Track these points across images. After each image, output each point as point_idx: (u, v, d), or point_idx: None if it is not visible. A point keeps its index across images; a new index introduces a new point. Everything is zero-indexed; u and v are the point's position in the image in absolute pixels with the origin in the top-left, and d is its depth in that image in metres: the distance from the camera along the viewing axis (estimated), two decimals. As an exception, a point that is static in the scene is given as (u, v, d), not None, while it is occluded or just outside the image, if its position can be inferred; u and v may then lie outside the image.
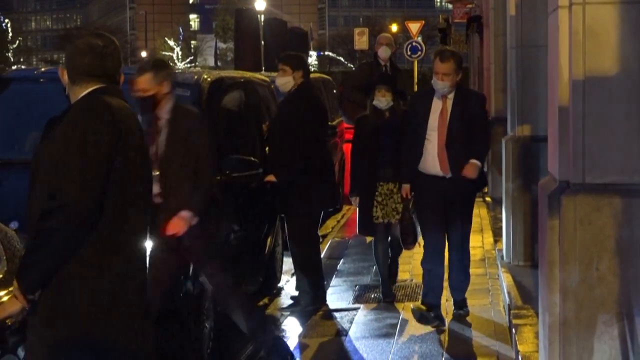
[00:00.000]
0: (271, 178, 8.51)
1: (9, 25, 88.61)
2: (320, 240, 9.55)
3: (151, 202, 4.21)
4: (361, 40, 37.69)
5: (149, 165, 4.17)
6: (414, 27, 36.54)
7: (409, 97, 9.04)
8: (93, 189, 3.87)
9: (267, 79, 10.77)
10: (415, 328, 7.89)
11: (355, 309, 8.73)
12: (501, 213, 10.44)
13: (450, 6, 38.38)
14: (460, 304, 8.24)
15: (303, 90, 8.70)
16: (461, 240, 8.06)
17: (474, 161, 7.72)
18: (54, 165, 3.91)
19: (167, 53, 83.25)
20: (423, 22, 39.74)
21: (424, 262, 8.00)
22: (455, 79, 7.87)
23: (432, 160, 7.82)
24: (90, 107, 4.05)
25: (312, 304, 8.74)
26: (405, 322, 8.14)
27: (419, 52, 32.90)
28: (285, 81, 8.69)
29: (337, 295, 9.37)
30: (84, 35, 4.30)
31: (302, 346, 7.63)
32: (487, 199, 14.72)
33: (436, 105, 7.85)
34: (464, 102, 7.83)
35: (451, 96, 7.83)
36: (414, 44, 33.19)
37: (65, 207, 3.82)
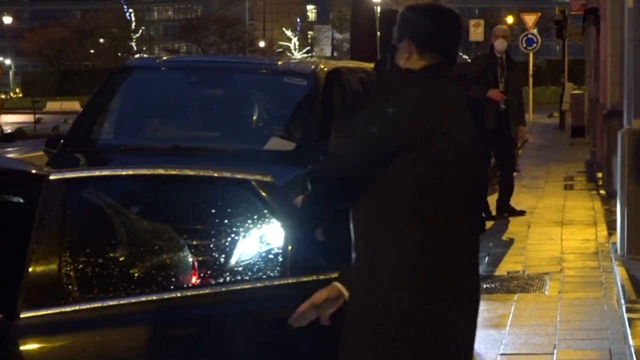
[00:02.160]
0: None
1: (132, 15, 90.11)
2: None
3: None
4: (477, 32, 37.37)
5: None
6: (530, 19, 36.16)
7: None
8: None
9: (383, 69, 10.73)
10: (527, 319, 7.80)
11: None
12: (615, 206, 10.27)
13: (567, -2, 37.87)
14: None
15: None
16: None
17: None
18: None
19: (284, 43, 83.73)
20: (539, 14, 39.28)
21: None
22: None
23: None
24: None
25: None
26: (517, 313, 8.05)
27: (535, 45, 32.53)
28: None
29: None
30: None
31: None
32: (602, 191, 14.51)
33: None
34: None
35: None
36: (529, 36, 32.83)
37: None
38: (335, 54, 74.19)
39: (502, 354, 7.01)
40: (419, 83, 3.80)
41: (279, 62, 9.06)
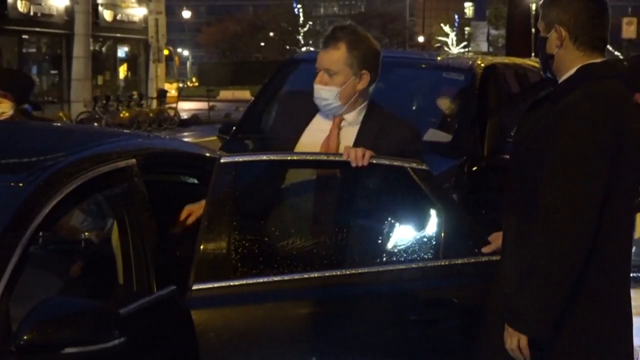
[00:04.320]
0: None
1: (301, 10, 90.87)
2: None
3: None
4: (629, 30, 36.43)
5: None
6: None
7: None
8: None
9: (537, 64, 10.57)
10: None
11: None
12: None
13: None
14: None
15: None
16: None
17: None
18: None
19: (442, 38, 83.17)
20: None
21: None
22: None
23: None
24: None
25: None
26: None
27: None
28: None
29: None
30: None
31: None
32: None
33: None
34: None
35: None
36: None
37: (561, 220, 3.50)
38: (490, 50, 73.32)
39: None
40: (605, 84, 3.65)
41: (438, 58, 9.02)
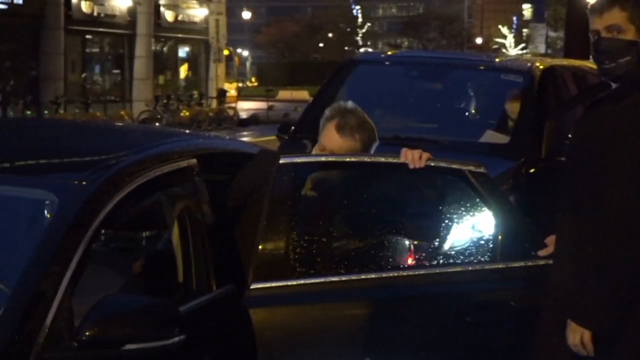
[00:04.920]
0: None
1: (359, 12, 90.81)
2: None
3: None
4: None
5: None
6: None
7: None
8: None
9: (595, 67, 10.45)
10: None
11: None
12: None
13: None
14: None
15: None
16: None
17: None
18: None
19: (500, 40, 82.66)
20: None
21: None
22: None
23: None
24: None
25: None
26: None
27: None
28: None
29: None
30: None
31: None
32: None
33: None
34: None
35: None
36: None
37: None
38: (549, 52, 72.72)
39: None
40: None
41: (496, 60, 8.97)
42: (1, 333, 3.01)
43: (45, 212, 3.52)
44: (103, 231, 4.15)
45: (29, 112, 26.15)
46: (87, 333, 3.06)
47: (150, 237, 4.62)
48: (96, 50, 34.13)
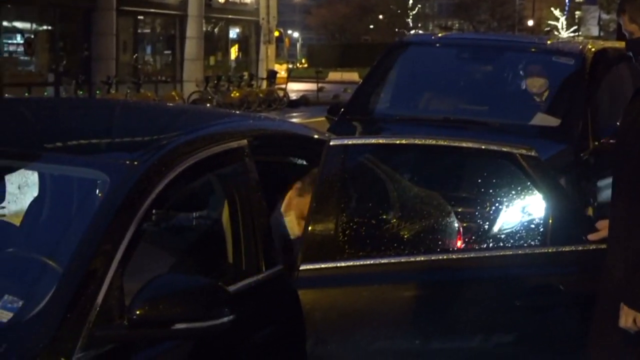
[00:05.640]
0: None
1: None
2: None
3: None
4: None
5: None
6: None
7: None
8: None
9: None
10: None
11: None
12: None
13: None
14: None
15: None
16: None
17: None
18: None
19: (552, 22, 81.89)
20: None
21: None
22: None
23: None
24: None
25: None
26: None
27: None
28: None
29: None
30: None
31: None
32: None
33: None
34: None
35: None
36: None
37: None
38: (601, 34, 71.92)
39: None
40: None
41: (548, 42, 8.89)
42: (53, 311, 3.03)
43: (97, 191, 3.54)
44: (154, 211, 4.17)
45: (81, 92, 26.36)
46: (138, 312, 3.07)
47: (200, 217, 4.64)
48: (147, 30, 34.29)
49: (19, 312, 3.17)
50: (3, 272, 3.56)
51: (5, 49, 27.06)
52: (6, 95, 24.57)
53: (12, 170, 3.89)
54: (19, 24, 28.01)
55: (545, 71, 8.20)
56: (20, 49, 27.95)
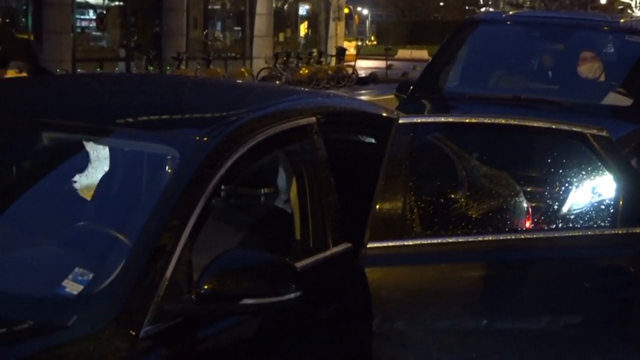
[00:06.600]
0: None
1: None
2: None
3: None
4: None
5: None
6: None
7: None
8: None
9: None
10: None
11: None
12: None
13: None
14: None
15: None
16: None
17: None
18: None
19: (625, 0, 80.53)
20: None
21: None
22: None
23: None
24: None
25: None
26: None
27: None
28: None
29: None
30: None
31: None
32: None
33: None
34: None
35: None
36: None
37: None
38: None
39: None
40: None
41: (621, 20, 8.75)
42: (123, 284, 3.07)
43: (167, 167, 3.57)
44: (223, 187, 4.20)
45: (151, 68, 26.57)
46: (206, 286, 3.09)
47: (268, 193, 4.66)
48: (217, 7, 34.41)
49: (89, 285, 3.21)
50: (74, 245, 3.60)
51: (78, 24, 27.32)
52: (79, 70, 24.85)
53: (84, 145, 3.93)
54: (91, 0, 28.28)
55: (618, 50, 8.08)
56: (93, 24, 28.23)
